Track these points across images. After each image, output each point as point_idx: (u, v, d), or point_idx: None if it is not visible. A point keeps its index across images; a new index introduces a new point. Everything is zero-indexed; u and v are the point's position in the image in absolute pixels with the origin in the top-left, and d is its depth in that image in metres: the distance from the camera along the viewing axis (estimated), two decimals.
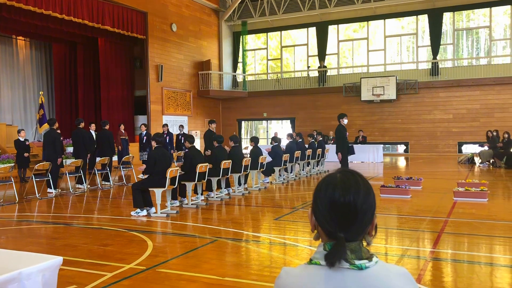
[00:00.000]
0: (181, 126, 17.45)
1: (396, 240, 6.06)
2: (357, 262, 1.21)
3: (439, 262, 4.93)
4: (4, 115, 19.09)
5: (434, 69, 21.28)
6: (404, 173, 14.08)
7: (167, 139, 15.16)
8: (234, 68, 25.69)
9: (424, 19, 21.92)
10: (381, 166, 17.53)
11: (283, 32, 25.15)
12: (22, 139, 12.62)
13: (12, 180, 9.67)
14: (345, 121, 10.98)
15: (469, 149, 20.53)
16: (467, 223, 6.86)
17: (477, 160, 17.14)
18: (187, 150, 8.92)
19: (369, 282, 1.20)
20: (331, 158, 18.23)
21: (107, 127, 12.74)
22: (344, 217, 1.23)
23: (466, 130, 20.64)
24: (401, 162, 19.29)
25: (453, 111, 20.91)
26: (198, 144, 21.72)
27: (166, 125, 16.12)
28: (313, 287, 1.22)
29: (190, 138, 8.94)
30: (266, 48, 25.73)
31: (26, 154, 12.58)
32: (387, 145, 22.63)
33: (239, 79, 25.53)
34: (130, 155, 13.58)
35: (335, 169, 1.35)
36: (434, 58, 21.27)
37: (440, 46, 21.47)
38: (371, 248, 1.30)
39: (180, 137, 16.99)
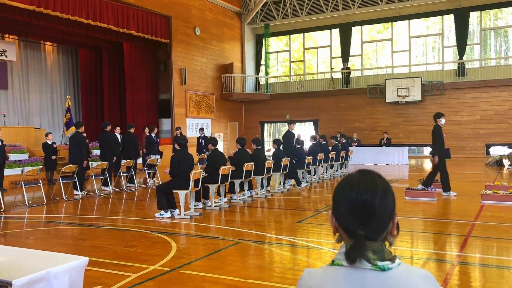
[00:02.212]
0: (201, 129, 17.34)
1: (421, 244, 5.95)
2: (380, 263, 1.21)
3: (466, 266, 4.83)
4: (32, 118, 19.59)
5: (461, 70, 20.87)
6: None
7: None
8: (257, 70, 25.73)
9: (450, 19, 21.53)
10: (407, 168, 17.27)
11: (305, 34, 25.07)
12: (49, 142, 12.91)
13: (40, 182, 9.90)
14: (443, 121, 9.71)
15: (497, 151, 20.05)
16: (495, 227, 6.69)
17: (505, 162, 16.73)
18: (207, 152, 8.97)
19: (391, 284, 1.19)
20: (355, 160, 18.10)
21: (132, 130, 12.91)
22: (362, 215, 1.23)
23: (494, 131, 20.17)
24: (427, 165, 18.97)
25: (480, 112, 20.46)
26: (221, 146, 21.84)
27: (179, 128, 15.96)
28: None
29: (213, 141, 9.00)
30: (289, 50, 25.69)
31: (53, 157, 12.86)
32: (412, 147, 22.29)
33: (262, 81, 25.56)
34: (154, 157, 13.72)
35: (355, 170, 1.35)
36: (461, 58, 20.86)
37: (467, 46, 21.05)
38: (396, 252, 1.29)
39: (200, 140, 16.88)
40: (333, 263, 1.27)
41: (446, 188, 9.68)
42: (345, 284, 1.21)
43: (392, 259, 1.23)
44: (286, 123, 11.75)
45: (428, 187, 9.57)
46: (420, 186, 9.72)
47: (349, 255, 1.21)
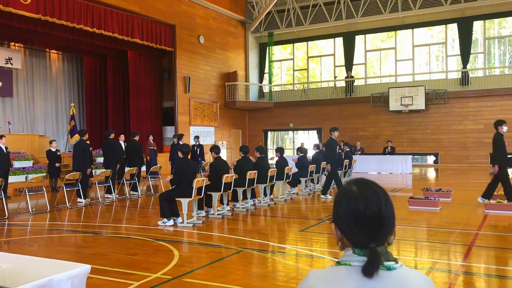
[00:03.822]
0: (196, 137, 17.14)
1: (425, 253, 5.93)
2: (386, 263, 1.26)
3: (470, 276, 4.80)
4: (37, 126, 19.68)
5: (464, 79, 20.86)
6: (433, 185, 13.80)
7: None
8: (261, 79, 25.80)
9: (453, 28, 21.56)
10: (410, 177, 17.22)
11: (309, 42, 25.15)
12: (53, 150, 12.95)
13: (44, 189, 9.93)
14: (504, 128, 8.95)
15: None
16: (499, 237, 6.66)
17: (510, 171, 16.64)
18: (202, 161, 8.97)
19: (397, 282, 1.24)
20: (359, 169, 18.04)
21: (136, 138, 12.94)
22: (372, 228, 1.27)
23: None
24: (431, 173, 18.92)
25: (484, 121, 20.38)
26: (225, 154, 21.85)
27: (176, 136, 15.90)
28: (342, 286, 1.24)
29: (216, 149, 9.01)
30: (293, 59, 25.77)
31: (57, 164, 12.89)
32: (416, 156, 22.23)
33: (265, 89, 25.62)
34: (158, 165, 13.75)
35: (348, 181, 1.38)
36: (464, 67, 20.86)
37: (471, 55, 21.06)
38: (400, 261, 1.32)
39: (195, 148, 16.65)
40: (339, 264, 1.30)
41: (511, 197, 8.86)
42: (354, 282, 1.24)
43: (395, 260, 1.28)
44: (329, 130, 11.26)
45: (489, 199, 9.06)
46: (480, 199, 9.34)
47: (368, 271, 1.23)
